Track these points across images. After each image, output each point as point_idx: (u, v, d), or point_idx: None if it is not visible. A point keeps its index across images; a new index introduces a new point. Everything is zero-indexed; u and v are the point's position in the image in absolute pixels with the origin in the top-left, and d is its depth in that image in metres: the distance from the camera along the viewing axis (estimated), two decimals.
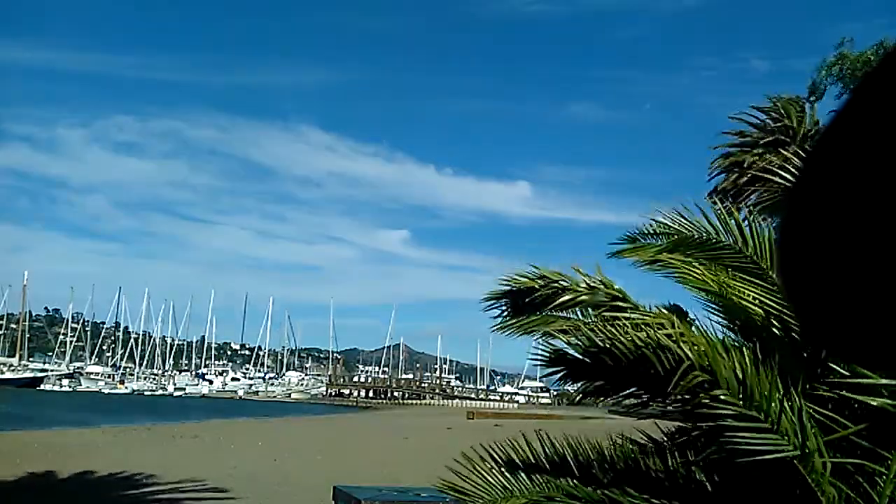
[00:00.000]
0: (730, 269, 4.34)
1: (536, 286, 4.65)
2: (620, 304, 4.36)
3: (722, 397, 3.39)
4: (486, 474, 4.64)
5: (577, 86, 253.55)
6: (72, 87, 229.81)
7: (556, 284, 4.54)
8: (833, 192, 0.52)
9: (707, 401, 3.43)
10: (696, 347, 3.54)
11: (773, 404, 3.39)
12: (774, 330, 3.98)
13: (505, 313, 4.99)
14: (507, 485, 4.55)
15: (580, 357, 3.84)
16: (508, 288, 4.85)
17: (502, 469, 4.60)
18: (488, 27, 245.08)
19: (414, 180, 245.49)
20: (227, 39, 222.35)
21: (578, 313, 5.03)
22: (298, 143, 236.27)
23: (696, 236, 4.50)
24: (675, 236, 4.53)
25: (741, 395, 3.42)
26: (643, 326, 3.79)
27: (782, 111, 23.14)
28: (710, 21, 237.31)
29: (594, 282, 4.49)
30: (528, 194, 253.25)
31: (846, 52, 19.76)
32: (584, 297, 4.43)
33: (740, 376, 3.45)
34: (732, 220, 4.45)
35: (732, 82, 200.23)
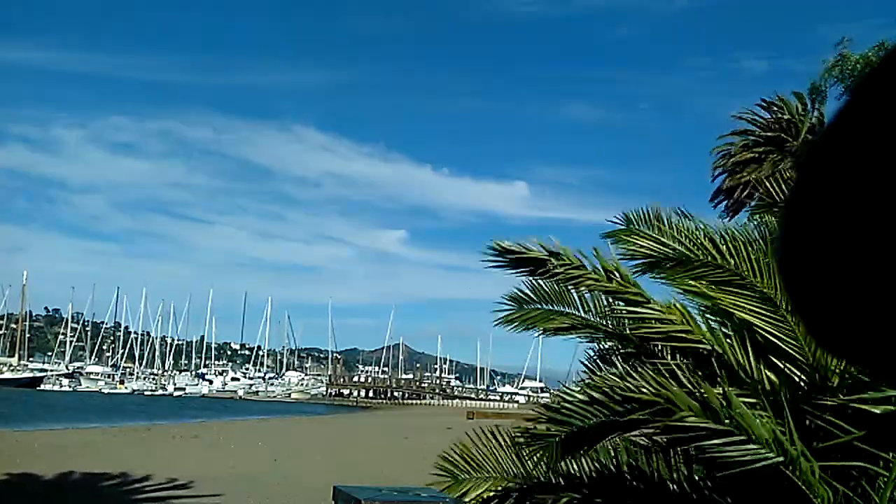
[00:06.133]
0: (715, 284, 4.35)
1: (549, 260, 4.60)
2: (633, 296, 4.35)
3: (690, 419, 3.39)
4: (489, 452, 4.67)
5: (574, 86, 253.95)
6: (68, 88, 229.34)
7: (569, 264, 4.50)
8: (833, 193, 0.52)
9: (673, 424, 3.43)
10: (653, 385, 3.55)
11: (744, 418, 3.39)
12: (772, 338, 3.99)
13: (501, 266, 4.86)
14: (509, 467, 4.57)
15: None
16: (516, 254, 4.77)
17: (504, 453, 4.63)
18: (484, 28, 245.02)
19: (411, 180, 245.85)
20: (223, 40, 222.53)
21: (581, 309, 5.04)
22: (295, 143, 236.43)
23: (681, 257, 4.55)
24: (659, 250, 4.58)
25: (708, 414, 3.41)
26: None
27: (783, 110, 22.98)
28: (704, 22, 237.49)
29: (610, 268, 4.46)
30: (526, 194, 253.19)
31: (846, 52, 19.76)
32: (603, 284, 4.42)
33: (706, 398, 3.44)
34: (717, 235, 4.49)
35: (728, 82, 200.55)
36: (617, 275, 4.45)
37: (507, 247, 4.74)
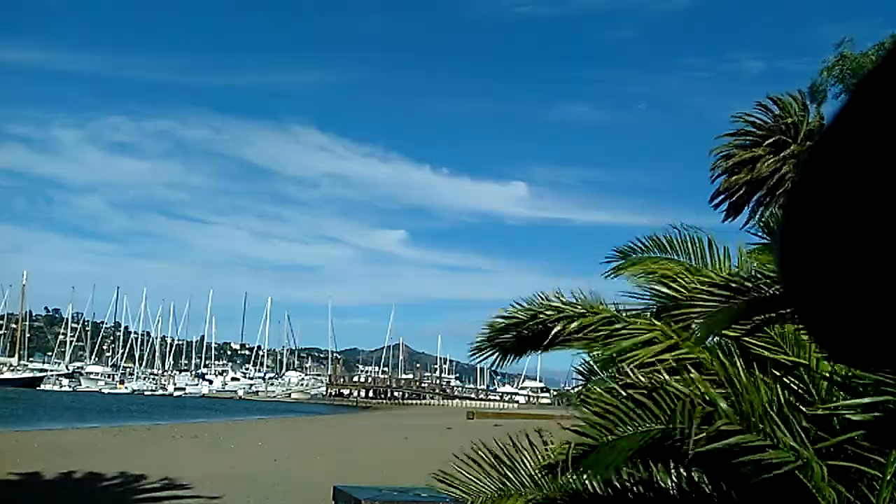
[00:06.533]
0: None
1: (524, 318, 4.65)
2: (614, 324, 4.35)
3: (724, 428, 3.40)
4: (486, 470, 4.65)
5: (572, 86, 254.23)
6: (66, 88, 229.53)
7: (544, 315, 4.53)
8: (834, 192, 0.52)
9: (712, 433, 3.43)
10: (694, 386, 3.56)
11: (769, 423, 3.40)
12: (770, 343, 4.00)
13: (496, 358, 4.92)
14: (507, 483, 4.55)
15: None
16: (494, 330, 4.80)
17: (502, 467, 4.61)
18: (481, 28, 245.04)
19: (410, 181, 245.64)
20: (222, 40, 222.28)
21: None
22: (293, 143, 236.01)
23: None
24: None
25: (739, 420, 3.42)
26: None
27: (783, 110, 22.99)
28: (703, 22, 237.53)
29: (582, 305, 4.48)
30: (524, 195, 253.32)
31: (847, 52, 19.76)
32: (573, 326, 4.41)
33: (736, 404, 3.45)
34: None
35: (727, 83, 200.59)
36: (589, 309, 4.45)
37: (488, 333, 4.77)
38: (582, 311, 4.44)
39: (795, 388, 3.83)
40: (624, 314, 4.52)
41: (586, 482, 4.23)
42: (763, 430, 3.41)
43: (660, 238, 5.19)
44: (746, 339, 4.03)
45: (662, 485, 4.13)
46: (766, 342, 4.01)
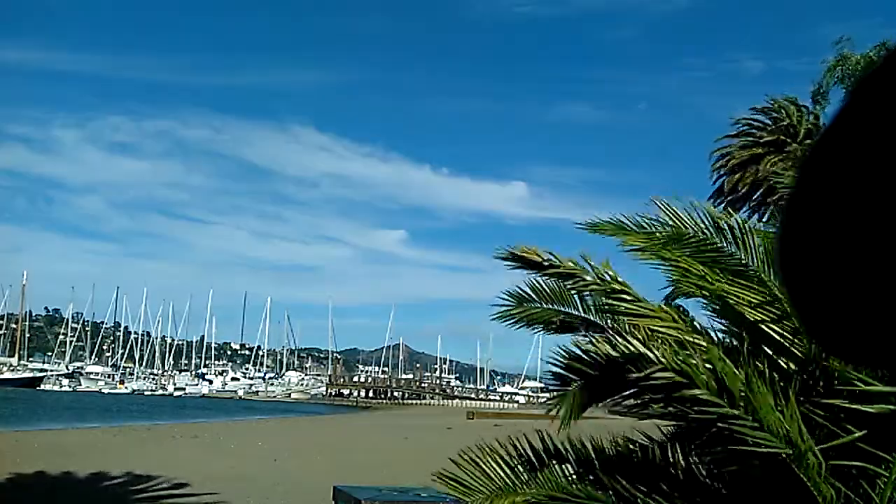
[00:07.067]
0: (725, 272, 4.35)
1: (546, 264, 4.68)
2: (625, 296, 4.38)
3: (702, 397, 3.41)
4: (488, 469, 4.66)
5: (572, 86, 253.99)
6: (66, 88, 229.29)
7: (565, 268, 4.58)
8: (833, 193, 0.53)
9: (686, 401, 3.45)
10: (666, 349, 3.59)
11: (758, 403, 3.40)
12: (772, 333, 3.99)
13: (512, 267, 4.98)
14: (508, 481, 4.56)
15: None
16: (524, 259, 4.85)
17: (504, 465, 4.62)
18: (481, 28, 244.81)
19: (410, 181, 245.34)
20: (222, 40, 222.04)
21: (581, 309, 5.06)
22: (293, 143, 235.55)
23: (693, 234, 4.55)
24: (670, 229, 4.59)
25: (723, 395, 3.43)
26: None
27: (782, 111, 23.01)
28: (702, 22, 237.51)
29: (602, 272, 4.51)
30: (524, 195, 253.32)
31: (847, 52, 19.76)
32: (594, 287, 4.45)
33: (719, 376, 3.46)
34: (727, 223, 4.50)
35: (726, 83, 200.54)
36: (608, 276, 4.48)
37: (516, 252, 4.80)
38: (601, 276, 4.47)
39: (801, 377, 3.83)
40: None
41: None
42: (749, 408, 3.39)
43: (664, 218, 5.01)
44: (763, 325, 4.04)
45: (670, 472, 4.16)
46: (783, 327, 3.99)
